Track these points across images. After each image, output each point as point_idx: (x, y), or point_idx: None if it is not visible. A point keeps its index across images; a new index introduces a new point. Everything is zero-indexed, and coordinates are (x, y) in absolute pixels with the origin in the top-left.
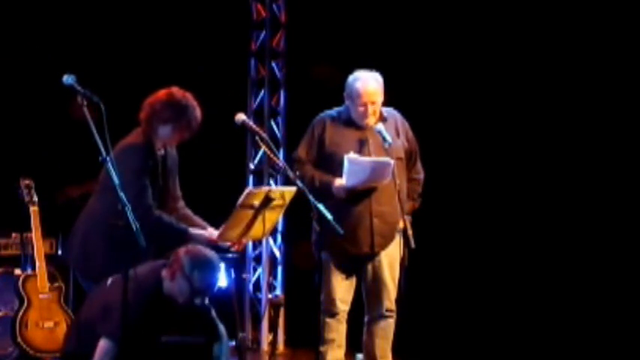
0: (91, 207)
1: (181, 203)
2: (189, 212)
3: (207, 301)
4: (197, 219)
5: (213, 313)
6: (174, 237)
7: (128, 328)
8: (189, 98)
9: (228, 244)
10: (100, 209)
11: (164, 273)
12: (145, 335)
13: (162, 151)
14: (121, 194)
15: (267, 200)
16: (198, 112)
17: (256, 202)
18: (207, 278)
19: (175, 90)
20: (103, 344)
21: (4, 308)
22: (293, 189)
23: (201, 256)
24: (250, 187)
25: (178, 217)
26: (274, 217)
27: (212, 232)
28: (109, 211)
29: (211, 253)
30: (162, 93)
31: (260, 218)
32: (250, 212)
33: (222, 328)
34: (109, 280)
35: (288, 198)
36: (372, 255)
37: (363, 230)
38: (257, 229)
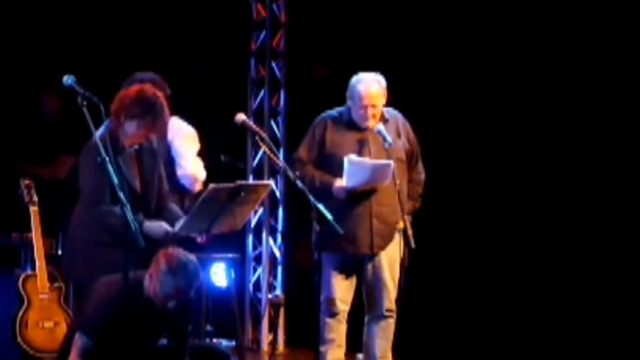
0: (76, 209)
1: (168, 199)
2: (172, 206)
3: (190, 328)
4: (176, 213)
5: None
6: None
7: (99, 323)
8: (160, 97)
9: (194, 235)
10: (80, 211)
11: (146, 276)
12: (133, 337)
13: (135, 146)
14: (120, 194)
15: (234, 194)
16: (166, 111)
17: (222, 197)
18: (178, 283)
19: (147, 87)
20: (76, 338)
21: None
22: (268, 183)
23: (176, 261)
24: (213, 184)
25: (160, 208)
26: (246, 210)
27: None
28: (86, 213)
29: (188, 259)
30: (133, 88)
31: (230, 211)
32: (216, 206)
33: None
34: (101, 280)
35: (262, 192)
36: (372, 255)
37: (362, 231)
38: (227, 222)
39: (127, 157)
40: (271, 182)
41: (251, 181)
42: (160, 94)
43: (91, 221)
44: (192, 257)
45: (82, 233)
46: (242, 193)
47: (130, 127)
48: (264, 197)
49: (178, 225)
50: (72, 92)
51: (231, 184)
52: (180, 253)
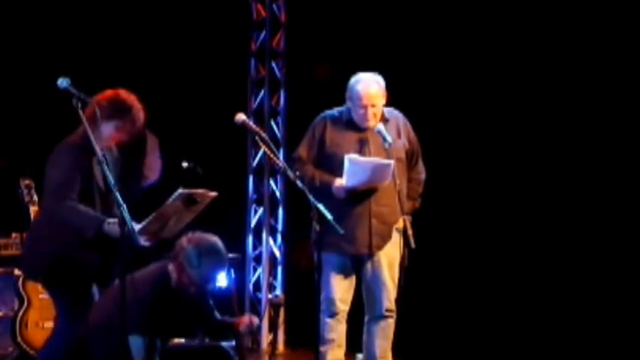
0: (41, 209)
1: (114, 206)
2: (116, 212)
3: (211, 301)
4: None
5: (217, 315)
6: (92, 226)
7: (148, 319)
8: (135, 100)
9: (141, 239)
10: (43, 209)
11: (170, 267)
12: (172, 329)
13: (102, 152)
14: (117, 194)
15: (192, 202)
16: (141, 115)
17: (183, 202)
18: (216, 263)
19: (122, 91)
20: (131, 341)
21: (4, 308)
22: (213, 194)
23: (206, 243)
24: (181, 189)
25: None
26: (187, 218)
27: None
28: (50, 211)
29: (214, 238)
30: (109, 92)
31: (178, 218)
32: (172, 211)
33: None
34: (116, 283)
35: (207, 202)
36: (371, 255)
37: (361, 231)
38: (170, 228)
39: (95, 161)
40: (215, 194)
41: (205, 191)
42: (134, 96)
43: (56, 220)
44: (214, 236)
45: (45, 231)
46: (197, 201)
47: (107, 129)
48: (203, 209)
49: (138, 226)
50: (67, 95)
51: (198, 190)
52: (203, 235)
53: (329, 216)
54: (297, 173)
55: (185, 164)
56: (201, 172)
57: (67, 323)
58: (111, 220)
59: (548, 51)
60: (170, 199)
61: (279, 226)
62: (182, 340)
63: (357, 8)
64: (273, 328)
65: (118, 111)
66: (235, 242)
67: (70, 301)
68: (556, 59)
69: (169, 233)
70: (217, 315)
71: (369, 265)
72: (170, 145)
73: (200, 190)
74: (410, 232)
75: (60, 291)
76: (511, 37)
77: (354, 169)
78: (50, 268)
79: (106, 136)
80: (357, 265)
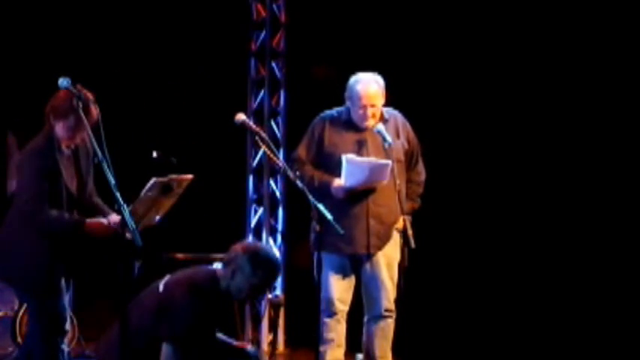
0: (15, 209)
1: (94, 194)
2: (98, 201)
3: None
4: (104, 207)
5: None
6: (72, 230)
7: (194, 330)
8: (87, 95)
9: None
10: (15, 215)
11: (220, 272)
12: (213, 332)
13: (72, 147)
14: (117, 194)
15: (167, 189)
16: (93, 110)
17: (159, 190)
18: (269, 275)
19: (77, 87)
20: (165, 349)
21: (4, 308)
22: (189, 177)
23: (262, 253)
24: (155, 178)
25: (88, 205)
26: (169, 204)
27: (113, 219)
28: (26, 218)
29: (269, 248)
30: (60, 93)
31: (156, 206)
32: (150, 201)
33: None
34: (161, 285)
35: (184, 185)
36: (369, 255)
37: (359, 231)
38: (150, 217)
39: (65, 159)
40: (190, 176)
41: (179, 175)
42: (88, 92)
43: (33, 227)
44: (269, 247)
45: (23, 234)
46: (172, 187)
47: (59, 129)
48: (182, 193)
49: (118, 219)
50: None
51: (166, 178)
52: (258, 246)
53: (329, 216)
54: (297, 173)
55: (155, 154)
56: (174, 162)
57: (38, 323)
58: (89, 220)
59: (548, 51)
60: (145, 190)
61: (279, 226)
62: None
63: (356, 8)
64: (273, 328)
65: (63, 110)
66: (235, 242)
67: (39, 301)
68: (556, 59)
69: (149, 222)
70: (220, 334)
71: (367, 266)
72: (170, 145)
73: (174, 176)
74: (410, 232)
75: (30, 291)
76: (511, 37)
77: (351, 169)
78: (20, 269)
79: (60, 135)
80: (355, 265)
